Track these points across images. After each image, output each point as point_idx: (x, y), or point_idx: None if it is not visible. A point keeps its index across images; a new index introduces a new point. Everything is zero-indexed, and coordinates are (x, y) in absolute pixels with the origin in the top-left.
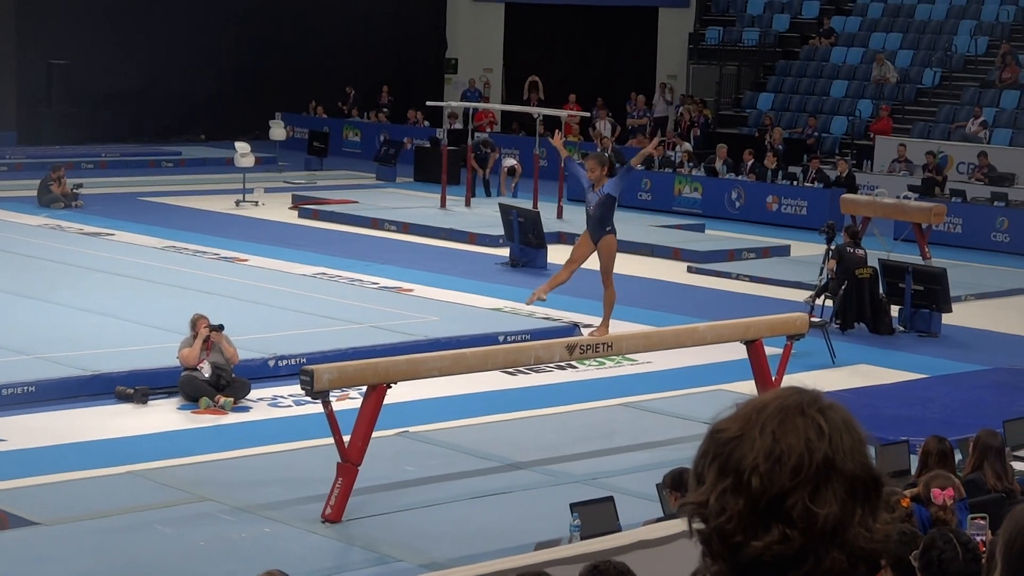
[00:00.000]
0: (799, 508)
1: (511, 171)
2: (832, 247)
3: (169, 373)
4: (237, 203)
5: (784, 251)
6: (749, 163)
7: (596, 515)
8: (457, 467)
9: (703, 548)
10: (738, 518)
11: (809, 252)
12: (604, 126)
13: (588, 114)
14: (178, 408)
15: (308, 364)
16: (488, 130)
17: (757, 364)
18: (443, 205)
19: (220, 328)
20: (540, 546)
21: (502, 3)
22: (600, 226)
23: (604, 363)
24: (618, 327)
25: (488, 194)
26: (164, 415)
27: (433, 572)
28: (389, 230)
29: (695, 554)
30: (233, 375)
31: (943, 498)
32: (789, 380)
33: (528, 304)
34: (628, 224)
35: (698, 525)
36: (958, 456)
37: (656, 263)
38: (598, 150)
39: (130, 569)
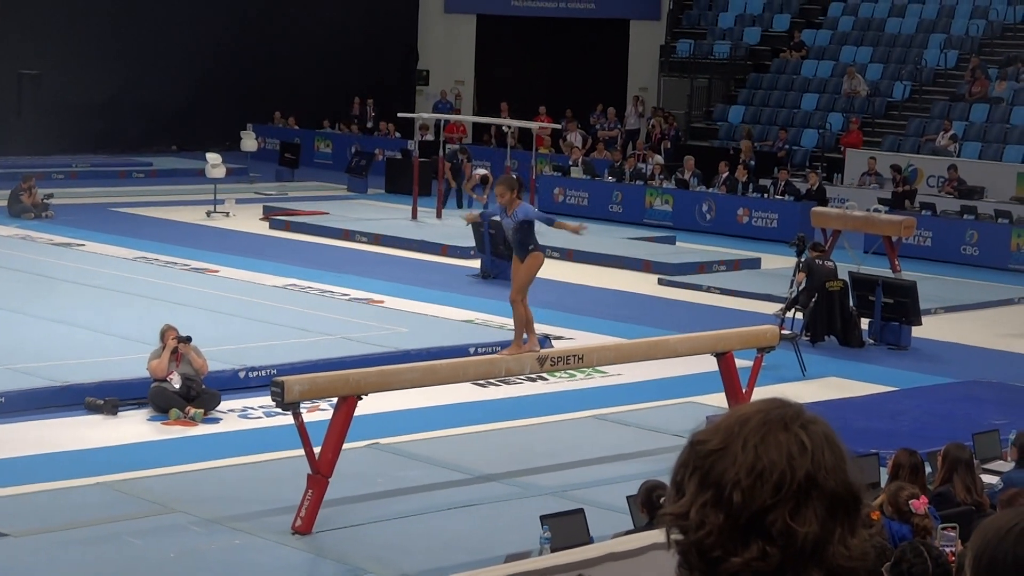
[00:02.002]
0: (779, 525)
1: (483, 179)
2: (800, 260)
3: (139, 384)
4: (208, 214)
5: (755, 264)
6: (724, 175)
7: (566, 527)
8: (428, 479)
9: (680, 559)
10: (718, 532)
11: (780, 265)
12: (575, 138)
13: (559, 126)
14: (148, 419)
15: (279, 375)
16: (457, 144)
17: (728, 376)
18: (414, 216)
19: (188, 340)
20: (510, 558)
21: (474, 15)
22: (523, 248)
23: (575, 375)
24: (589, 339)
25: (460, 205)
26: (134, 426)
27: None
28: (360, 241)
29: (665, 566)
30: (203, 386)
31: (922, 507)
32: (759, 393)
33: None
34: (599, 236)
35: (676, 536)
36: (928, 469)
37: (627, 275)
38: (571, 163)
39: None
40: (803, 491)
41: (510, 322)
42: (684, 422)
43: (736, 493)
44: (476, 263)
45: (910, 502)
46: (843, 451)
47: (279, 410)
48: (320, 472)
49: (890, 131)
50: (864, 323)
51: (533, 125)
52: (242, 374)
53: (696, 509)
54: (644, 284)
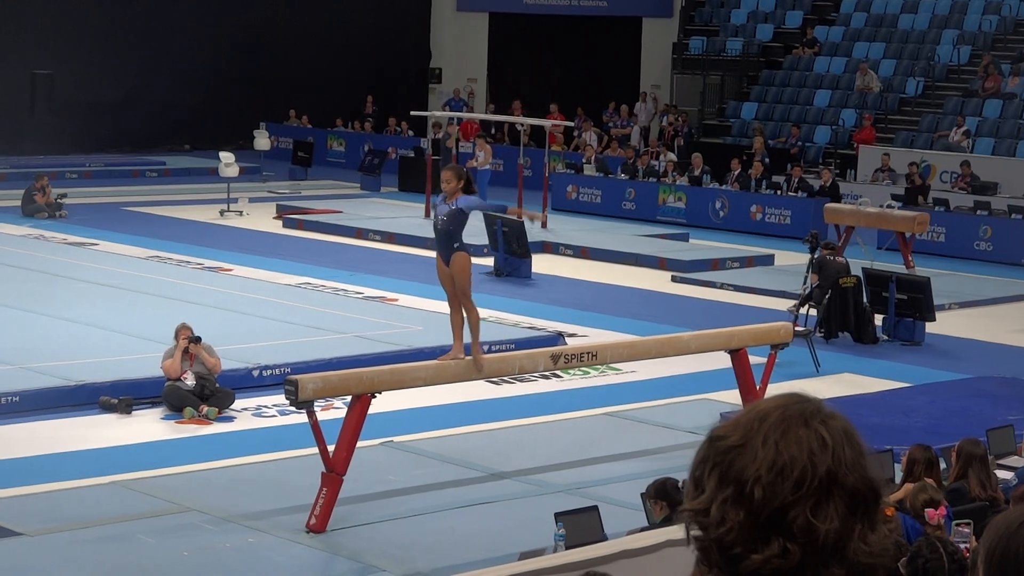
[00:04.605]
0: (800, 522)
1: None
2: (813, 257)
3: (153, 383)
4: (221, 213)
5: (768, 260)
6: (736, 172)
7: (581, 524)
8: (442, 477)
9: (700, 556)
10: (738, 529)
11: (793, 261)
12: (591, 137)
13: (572, 123)
14: (162, 418)
15: (292, 374)
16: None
17: (741, 373)
18: (428, 215)
19: (198, 340)
20: (524, 555)
21: (486, 13)
22: (448, 242)
23: (588, 372)
24: (602, 336)
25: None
26: (148, 425)
27: None
28: (373, 240)
29: (679, 563)
30: (217, 385)
31: (937, 517)
32: (773, 389)
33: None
34: (612, 233)
35: (696, 533)
36: (942, 465)
37: (640, 272)
38: (584, 160)
39: None
40: (824, 487)
41: (525, 319)
42: (698, 419)
43: (757, 489)
44: (489, 261)
45: (925, 511)
46: (862, 447)
47: (293, 408)
48: (334, 470)
49: (903, 127)
50: (878, 319)
51: (546, 123)
52: (256, 373)
53: (717, 506)
54: (657, 281)
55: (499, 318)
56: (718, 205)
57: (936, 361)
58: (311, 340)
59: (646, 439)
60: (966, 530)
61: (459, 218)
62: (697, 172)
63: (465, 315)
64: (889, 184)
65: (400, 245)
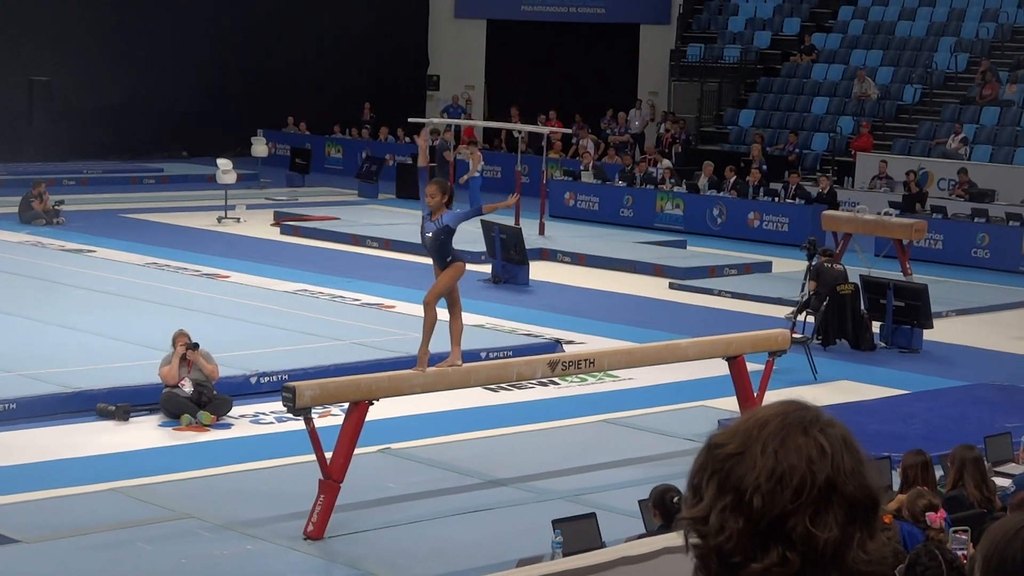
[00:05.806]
0: (800, 530)
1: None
2: (811, 264)
3: (150, 390)
4: (219, 220)
5: (766, 267)
6: (731, 180)
7: (579, 532)
8: (439, 484)
9: (698, 564)
10: (737, 538)
11: (790, 268)
12: (588, 144)
13: (570, 131)
14: (159, 425)
15: (290, 381)
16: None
17: (739, 380)
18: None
19: (195, 347)
20: (522, 563)
21: (484, 20)
22: (441, 256)
23: (586, 380)
24: (600, 343)
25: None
26: (145, 432)
27: None
28: (371, 247)
29: (678, 570)
30: (215, 392)
31: (939, 521)
32: (771, 397)
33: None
34: (610, 240)
35: (695, 541)
36: (939, 472)
37: (638, 279)
38: (582, 167)
39: None
40: (823, 495)
41: (522, 326)
42: (696, 426)
43: (756, 498)
44: (487, 268)
45: (927, 514)
46: (861, 454)
47: (290, 415)
48: (332, 477)
49: (900, 134)
50: (875, 326)
51: (544, 130)
52: (253, 379)
53: (716, 514)
54: (655, 288)
55: (496, 325)
56: (716, 212)
57: (934, 368)
58: (308, 347)
59: (644, 446)
60: (964, 537)
61: (447, 234)
62: (703, 180)
63: (424, 314)
64: (887, 191)
65: (397, 252)
